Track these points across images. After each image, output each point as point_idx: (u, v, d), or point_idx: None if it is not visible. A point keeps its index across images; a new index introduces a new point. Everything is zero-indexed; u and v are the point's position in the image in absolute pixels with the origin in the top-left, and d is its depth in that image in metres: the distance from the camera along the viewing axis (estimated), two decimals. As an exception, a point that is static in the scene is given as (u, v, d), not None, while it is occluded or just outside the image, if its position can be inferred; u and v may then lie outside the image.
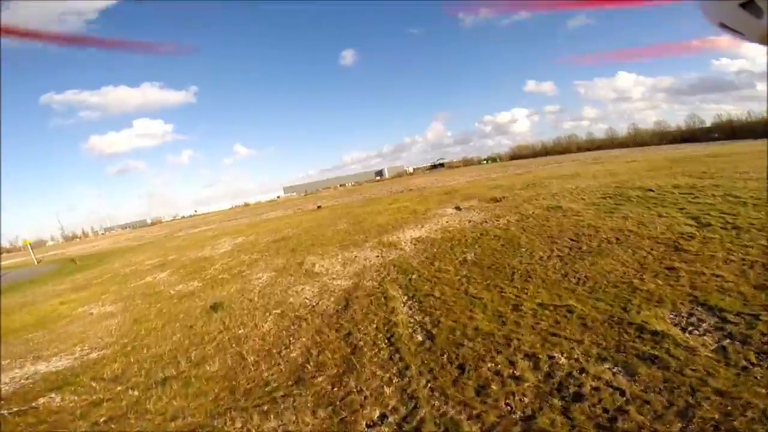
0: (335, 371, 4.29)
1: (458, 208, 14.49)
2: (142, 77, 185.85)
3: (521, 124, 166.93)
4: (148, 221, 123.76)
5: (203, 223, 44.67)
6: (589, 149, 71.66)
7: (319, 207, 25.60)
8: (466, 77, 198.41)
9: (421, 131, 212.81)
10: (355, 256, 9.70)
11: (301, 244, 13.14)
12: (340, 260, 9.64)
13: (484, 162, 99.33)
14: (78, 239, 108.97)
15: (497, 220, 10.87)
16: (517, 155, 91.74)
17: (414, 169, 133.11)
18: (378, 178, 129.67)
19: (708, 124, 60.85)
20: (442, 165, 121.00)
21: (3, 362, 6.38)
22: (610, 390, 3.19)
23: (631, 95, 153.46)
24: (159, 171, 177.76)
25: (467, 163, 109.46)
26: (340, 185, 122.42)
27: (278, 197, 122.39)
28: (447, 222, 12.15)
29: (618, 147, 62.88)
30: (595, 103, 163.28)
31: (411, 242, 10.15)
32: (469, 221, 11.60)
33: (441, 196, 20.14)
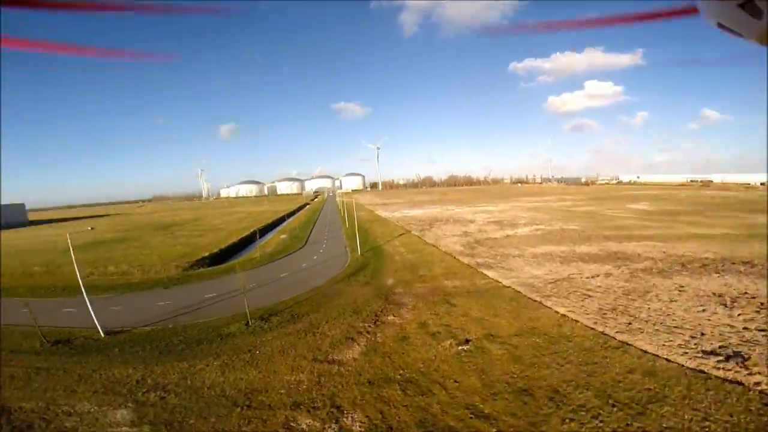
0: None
1: None
2: (584, 43, 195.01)
3: None
4: (582, 180, 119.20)
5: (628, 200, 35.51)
6: None
7: None
8: None
9: None
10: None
11: None
12: None
13: None
14: (519, 184, 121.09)
15: None
16: None
17: None
18: None
19: None
20: None
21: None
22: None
23: None
24: (610, 130, 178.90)
25: None
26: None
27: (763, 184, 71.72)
28: None
29: None
30: None
31: None
32: None
33: None
